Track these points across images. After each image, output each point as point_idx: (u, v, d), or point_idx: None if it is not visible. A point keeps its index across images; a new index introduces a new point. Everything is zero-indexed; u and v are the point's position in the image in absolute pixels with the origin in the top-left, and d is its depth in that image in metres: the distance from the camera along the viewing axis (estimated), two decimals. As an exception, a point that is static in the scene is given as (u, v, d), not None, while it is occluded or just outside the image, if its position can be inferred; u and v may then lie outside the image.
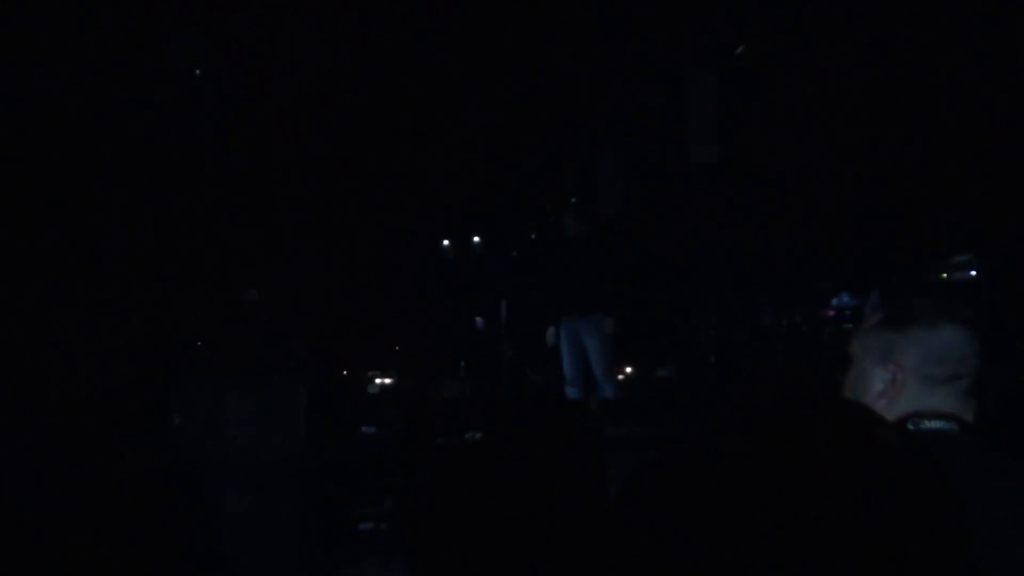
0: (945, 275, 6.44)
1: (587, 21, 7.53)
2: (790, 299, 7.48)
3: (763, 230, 7.63)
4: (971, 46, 6.25)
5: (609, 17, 7.40)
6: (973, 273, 6.23)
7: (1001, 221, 6.33)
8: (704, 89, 7.37)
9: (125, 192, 7.99)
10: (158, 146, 7.99)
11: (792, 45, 7.14)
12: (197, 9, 7.16)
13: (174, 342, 7.25)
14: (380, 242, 9.90)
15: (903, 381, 1.72)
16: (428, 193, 9.60)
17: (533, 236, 8.44)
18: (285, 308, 8.03)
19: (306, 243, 9.30)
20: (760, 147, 7.73)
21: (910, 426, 1.68)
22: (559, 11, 7.49)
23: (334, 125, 8.81)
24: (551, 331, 6.60)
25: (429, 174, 9.42)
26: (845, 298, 7.09)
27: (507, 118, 8.91)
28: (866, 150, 7.06)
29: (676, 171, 8.03)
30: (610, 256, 6.53)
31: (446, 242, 9.65)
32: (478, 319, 9.42)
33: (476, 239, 9.46)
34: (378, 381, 9.24)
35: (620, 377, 7.44)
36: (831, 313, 7.11)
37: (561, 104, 8.63)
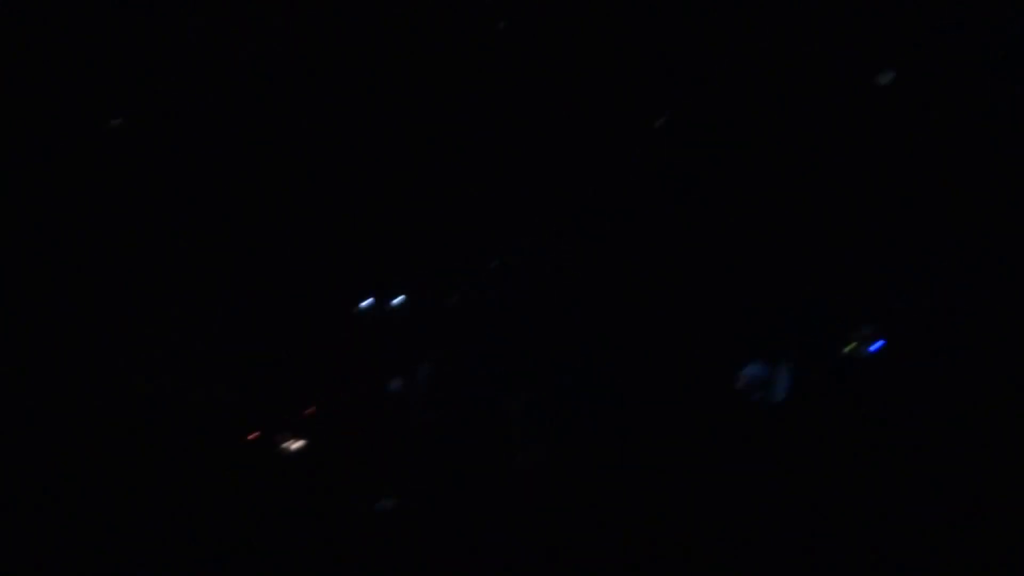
0: (848, 348, 6.63)
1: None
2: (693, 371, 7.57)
3: (672, 296, 7.76)
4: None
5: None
6: (875, 348, 6.43)
7: (904, 292, 6.57)
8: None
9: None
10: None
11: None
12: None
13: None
14: (298, 302, 9.73)
15: None
16: (341, 249, 9.49)
17: (455, 299, 8.40)
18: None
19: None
20: (672, 212, 7.89)
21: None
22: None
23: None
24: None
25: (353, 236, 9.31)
26: (754, 368, 7.18)
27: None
28: (771, 215, 7.27)
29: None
30: None
31: (366, 302, 9.54)
32: (394, 381, 9.30)
33: (398, 299, 9.39)
34: (288, 445, 9.01)
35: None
36: (739, 384, 7.18)
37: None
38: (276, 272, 8.96)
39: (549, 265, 8.60)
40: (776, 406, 6.86)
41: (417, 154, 8.50)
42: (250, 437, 8.73)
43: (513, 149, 8.36)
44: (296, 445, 9.07)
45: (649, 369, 7.75)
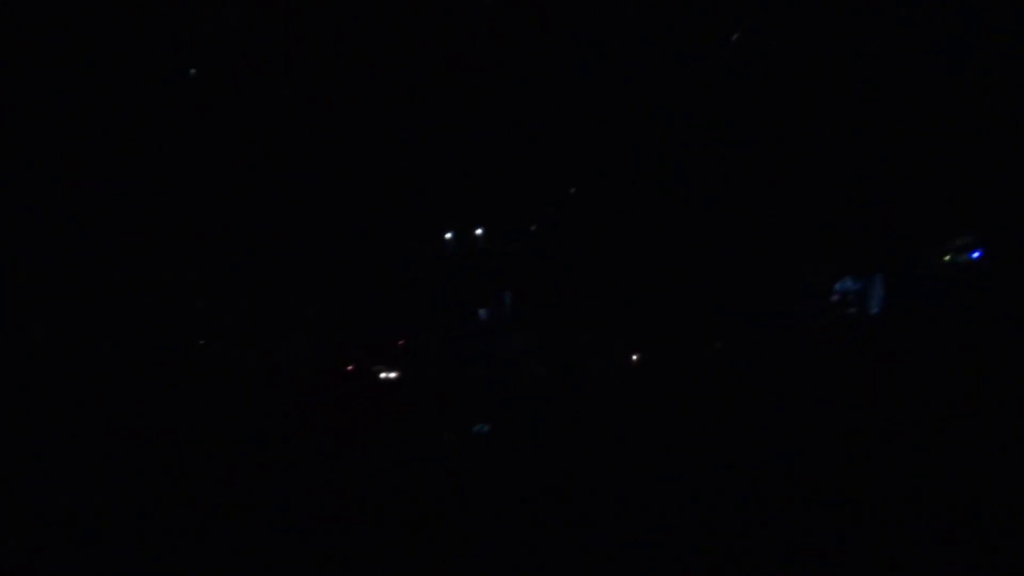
0: (948, 257, 6.43)
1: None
2: (793, 283, 7.47)
3: (763, 215, 7.62)
4: (964, 35, 6.24)
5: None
6: (975, 255, 6.23)
7: (1002, 202, 6.33)
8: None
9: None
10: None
11: (789, 32, 7.10)
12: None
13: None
14: (383, 235, 9.90)
15: None
16: (428, 186, 9.58)
17: (533, 228, 8.41)
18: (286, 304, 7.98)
19: (306, 237, 9.25)
20: (758, 128, 7.71)
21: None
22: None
23: (328, 116, 8.77)
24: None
25: (429, 166, 9.39)
26: (848, 282, 7.08)
27: (504, 107, 8.85)
28: (865, 132, 7.05)
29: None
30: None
31: (448, 235, 9.64)
32: (481, 311, 9.42)
33: (478, 231, 9.45)
34: (383, 375, 9.25)
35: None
36: (835, 298, 7.10)
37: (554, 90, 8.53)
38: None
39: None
40: (872, 317, 6.72)
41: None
42: (348, 368, 9.00)
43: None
44: (391, 374, 9.32)
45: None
